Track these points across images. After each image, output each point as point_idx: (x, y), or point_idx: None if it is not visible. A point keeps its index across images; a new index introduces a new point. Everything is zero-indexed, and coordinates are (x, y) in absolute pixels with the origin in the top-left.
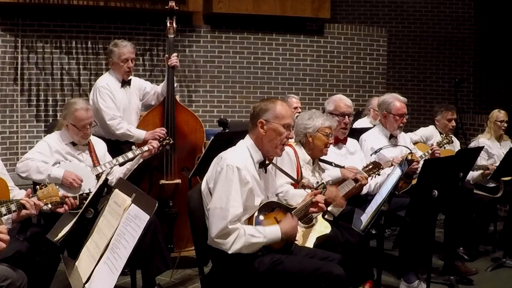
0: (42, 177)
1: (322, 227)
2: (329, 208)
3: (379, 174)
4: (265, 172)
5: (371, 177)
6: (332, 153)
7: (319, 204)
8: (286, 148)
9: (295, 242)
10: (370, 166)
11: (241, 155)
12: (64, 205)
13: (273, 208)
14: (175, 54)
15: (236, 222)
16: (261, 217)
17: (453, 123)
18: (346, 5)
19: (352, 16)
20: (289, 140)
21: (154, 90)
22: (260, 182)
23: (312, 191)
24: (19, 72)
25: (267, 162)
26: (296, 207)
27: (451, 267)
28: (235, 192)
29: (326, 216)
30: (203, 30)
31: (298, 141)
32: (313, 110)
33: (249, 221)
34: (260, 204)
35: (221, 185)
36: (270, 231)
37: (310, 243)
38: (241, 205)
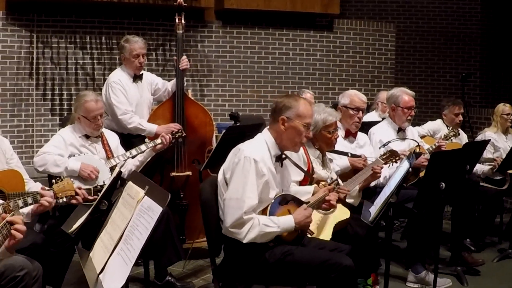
0: (59, 170)
1: (341, 212)
2: (348, 200)
3: (396, 162)
4: (281, 166)
5: (388, 165)
6: (343, 147)
7: (331, 202)
8: None
9: (311, 231)
10: (387, 154)
11: (258, 148)
12: (77, 196)
13: (287, 201)
14: (184, 57)
15: (251, 212)
16: (275, 208)
17: (460, 117)
18: (355, 1)
19: (361, 12)
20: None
21: (165, 86)
22: (276, 175)
23: (325, 186)
24: (34, 67)
25: (283, 156)
26: (309, 201)
27: (458, 258)
28: (251, 184)
29: None
30: (214, 26)
31: None
32: (315, 107)
33: (263, 213)
34: (275, 196)
35: (238, 176)
36: (284, 221)
37: (329, 229)
38: (256, 196)
